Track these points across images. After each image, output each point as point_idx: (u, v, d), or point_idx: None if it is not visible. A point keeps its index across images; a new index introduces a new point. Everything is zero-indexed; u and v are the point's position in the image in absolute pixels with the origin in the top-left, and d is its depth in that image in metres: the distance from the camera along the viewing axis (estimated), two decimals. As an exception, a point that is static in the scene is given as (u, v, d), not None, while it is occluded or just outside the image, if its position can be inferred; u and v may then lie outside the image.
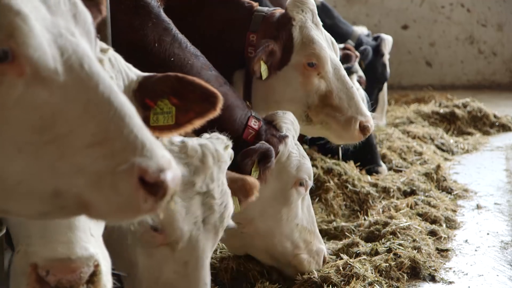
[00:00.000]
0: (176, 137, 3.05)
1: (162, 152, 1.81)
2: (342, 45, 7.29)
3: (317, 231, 4.45)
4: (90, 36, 1.92)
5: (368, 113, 4.72)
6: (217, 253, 4.70)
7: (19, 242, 2.31)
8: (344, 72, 4.73)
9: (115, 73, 2.50)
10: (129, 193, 1.76)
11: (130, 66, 2.63)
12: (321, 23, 4.75)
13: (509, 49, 13.50)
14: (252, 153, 4.01)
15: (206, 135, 3.27)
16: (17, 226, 2.36)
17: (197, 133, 3.87)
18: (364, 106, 4.76)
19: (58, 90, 1.77)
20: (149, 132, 1.83)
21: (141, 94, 2.54)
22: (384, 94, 8.93)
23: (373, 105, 8.75)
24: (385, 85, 8.93)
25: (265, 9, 4.75)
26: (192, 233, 3.05)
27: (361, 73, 7.67)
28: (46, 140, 1.76)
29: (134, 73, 2.61)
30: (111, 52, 2.56)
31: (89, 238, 2.30)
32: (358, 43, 8.33)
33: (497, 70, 13.52)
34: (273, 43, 4.53)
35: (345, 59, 6.99)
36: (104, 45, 2.54)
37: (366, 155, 6.71)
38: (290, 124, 4.33)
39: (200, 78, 4.09)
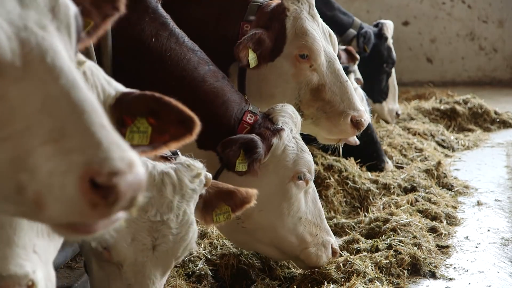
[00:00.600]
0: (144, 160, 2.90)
1: (122, 154, 1.66)
2: (343, 47, 7.27)
3: (325, 224, 4.36)
4: (70, 30, 1.86)
5: (362, 108, 4.67)
6: (218, 250, 4.69)
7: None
8: (338, 66, 4.69)
9: (89, 87, 2.37)
10: (77, 195, 1.63)
11: (111, 80, 2.55)
12: (318, 15, 4.71)
13: (510, 46, 13.47)
14: (232, 143, 3.94)
15: (181, 157, 3.10)
16: None
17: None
18: (358, 100, 4.70)
19: (15, 84, 1.70)
20: (113, 131, 1.71)
21: (118, 111, 2.45)
22: (393, 79, 8.88)
23: (385, 92, 8.74)
24: (393, 70, 8.89)
25: None
26: (138, 258, 2.95)
27: (358, 75, 7.66)
28: (3, 136, 1.68)
29: (114, 88, 2.51)
30: (88, 64, 2.47)
31: (29, 255, 2.18)
32: (360, 31, 8.29)
33: (498, 67, 13.50)
34: (263, 31, 4.50)
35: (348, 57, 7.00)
36: (80, 57, 2.44)
37: (371, 152, 6.69)
38: (288, 117, 4.23)
39: (197, 73, 4.09)
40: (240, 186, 4.01)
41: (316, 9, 4.75)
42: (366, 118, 4.69)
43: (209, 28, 4.65)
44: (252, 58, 4.44)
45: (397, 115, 8.86)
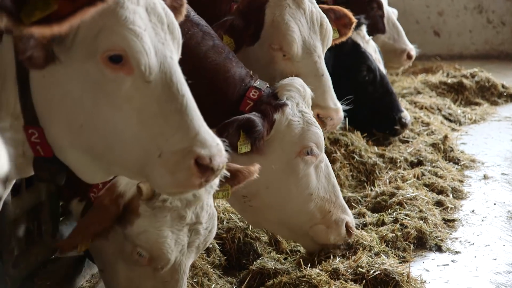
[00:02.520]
0: None
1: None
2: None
3: (340, 200, 4.21)
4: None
5: (334, 106, 4.48)
6: (224, 224, 4.71)
7: (165, 148, 2.37)
8: (317, 59, 4.52)
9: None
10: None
11: None
12: (307, 3, 4.56)
13: (518, 18, 13.35)
14: (228, 127, 3.84)
15: None
16: (160, 134, 2.39)
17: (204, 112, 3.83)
18: (331, 97, 4.50)
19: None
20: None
21: None
22: None
23: None
24: None
25: None
26: (177, 259, 3.17)
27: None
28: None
29: None
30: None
31: None
32: None
33: (505, 40, 13.38)
34: (234, 17, 4.44)
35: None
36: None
37: (386, 103, 6.69)
38: (294, 91, 4.11)
39: (199, 48, 4.05)
40: (246, 164, 3.98)
41: None
42: (336, 117, 4.48)
43: (209, 10, 4.57)
44: (227, 43, 4.35)
45: None
